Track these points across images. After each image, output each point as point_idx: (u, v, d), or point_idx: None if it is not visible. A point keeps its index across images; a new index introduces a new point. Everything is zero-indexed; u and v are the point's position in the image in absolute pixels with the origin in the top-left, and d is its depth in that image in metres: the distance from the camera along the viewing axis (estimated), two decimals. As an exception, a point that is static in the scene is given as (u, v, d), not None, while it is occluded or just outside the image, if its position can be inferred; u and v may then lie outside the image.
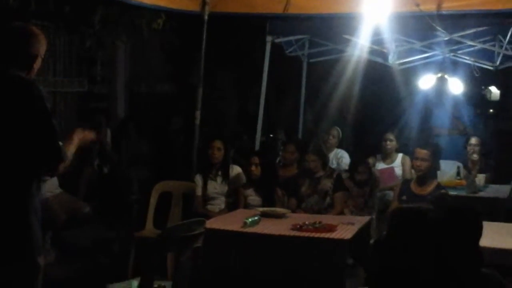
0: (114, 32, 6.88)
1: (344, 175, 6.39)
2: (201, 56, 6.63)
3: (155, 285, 4.17)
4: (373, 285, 2.25)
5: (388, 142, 7.11)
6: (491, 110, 10.81)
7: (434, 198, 5.30)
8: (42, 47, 3.20)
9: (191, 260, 4.74)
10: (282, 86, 9.31)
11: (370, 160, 7.04)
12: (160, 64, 9.55)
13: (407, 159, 6.85)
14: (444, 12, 6.02)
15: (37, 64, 3.20)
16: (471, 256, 2.63)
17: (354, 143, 8.85)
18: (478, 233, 2.71)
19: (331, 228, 4.66)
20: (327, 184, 6.00)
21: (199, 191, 6.19)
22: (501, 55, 7.49)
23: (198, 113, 6.66)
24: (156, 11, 6.48)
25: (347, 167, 7.23)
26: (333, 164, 7.11)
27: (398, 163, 7.06)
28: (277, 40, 7.28)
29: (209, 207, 6.18)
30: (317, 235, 4.54)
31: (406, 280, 2.15)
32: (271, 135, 9.14)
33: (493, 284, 2.61)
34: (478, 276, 2.58)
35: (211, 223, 4.80)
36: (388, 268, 2.17)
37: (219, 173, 6.23)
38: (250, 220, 4.73)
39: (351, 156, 7.42)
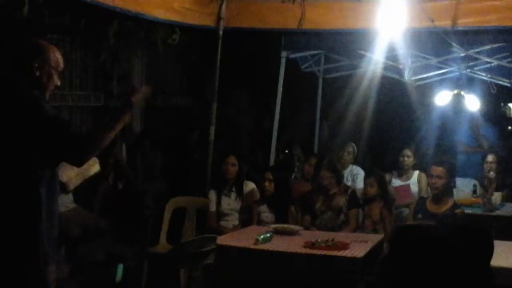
0: (129, 47, 6.92)
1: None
2: (216, 71, 6.65)
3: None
4: None
5: (406, 158, 7.04)
6: (509, 127, 10.73)
7: (443, 216, 5.24)
8: (52, 60, 3.15)
9: (203, 276, 4.74)
10: (297, 101, 9.30)
11: (387, 176, 6.99)
12: (176, 79, 9.58)
13: (424, 176, 6.78)
14: (459, 28, 6.00)
15: (51, 78, 3.17)
16: (481, 276, 2.58)
17: (370, 159, 8.79)
18: (489, 252, 2.65)
19: (343, 246, 4.61)
20: (341, 200, 5.95)
21: (212, 207, 6.17)
22: (517, 72, 7.42)
23: (212, 129, 6.67)
24: (171, 26, 6.50)
25: (362, 184, 7.19)
26: (348, 180, 7.06)
27: (414, 180, 6.99)
28: (292, 56, 7.28)
29: (222, 223, 6.15)
30: (329, 253, 4.50)
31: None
32: (287, 151, 9.11)
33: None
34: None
35: (222, 240, 4.78)
36: (392, 286, 2.12)
37: (233, 189, 6.22)
38: (262, 237, 4.70)
39: (366, 173, 7.37)
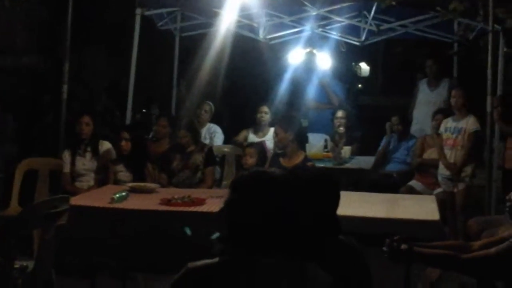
0: (-28, 2, 6.51)
1: None
2: (68, 29, 6.42)
3: (17, 265, 4.01)
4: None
5: (264, 115, 7.22)
6: (359, 85, 11.23)
7: (294, 167, 5.41)
8: None
9: (55, 238, 4.61)
10: (155, 60, 9.18)
11: (244, 132, 7.14)
12: (26, 37, 9.13)
13: (279, 132, 6.96)
14: (311, -13, 6.15)
15: None
16: (327, 224, 2.70)
17: (228, 117, 8.90)
18: (335, 201, 2.77)
19: (199, 202, 4.67)
20: (198, 158, 6.01)
21: (66, 168, 6.03)
22: (366, 30, 7.66)
23: (65, 87, 6.48)
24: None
25: (220, 142, 7.30)
26: (206, 139, 7.13)
27: (270, 137, 7.16)
28: (147, 13, 7.13)
29: (77, 184, 6.05)
30: (185, 209, 4.54)
31: (254, 247, 2.13)
32: (144, 110, 9.03)
33: (349, 250, 2.69)
34: (334, 243, 2.66)
35: (76, 200, 4.68)
36: (234, 229, 2.16)
37: (88, 149, 6.11)
38: (117, 195, 4.66)
39: (224, 131, 7.46)
